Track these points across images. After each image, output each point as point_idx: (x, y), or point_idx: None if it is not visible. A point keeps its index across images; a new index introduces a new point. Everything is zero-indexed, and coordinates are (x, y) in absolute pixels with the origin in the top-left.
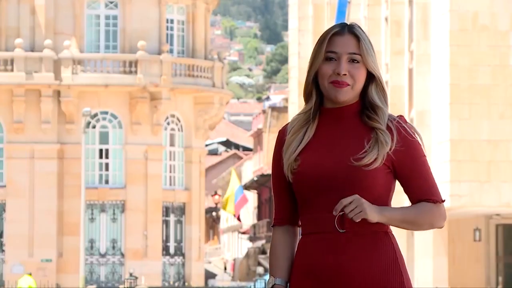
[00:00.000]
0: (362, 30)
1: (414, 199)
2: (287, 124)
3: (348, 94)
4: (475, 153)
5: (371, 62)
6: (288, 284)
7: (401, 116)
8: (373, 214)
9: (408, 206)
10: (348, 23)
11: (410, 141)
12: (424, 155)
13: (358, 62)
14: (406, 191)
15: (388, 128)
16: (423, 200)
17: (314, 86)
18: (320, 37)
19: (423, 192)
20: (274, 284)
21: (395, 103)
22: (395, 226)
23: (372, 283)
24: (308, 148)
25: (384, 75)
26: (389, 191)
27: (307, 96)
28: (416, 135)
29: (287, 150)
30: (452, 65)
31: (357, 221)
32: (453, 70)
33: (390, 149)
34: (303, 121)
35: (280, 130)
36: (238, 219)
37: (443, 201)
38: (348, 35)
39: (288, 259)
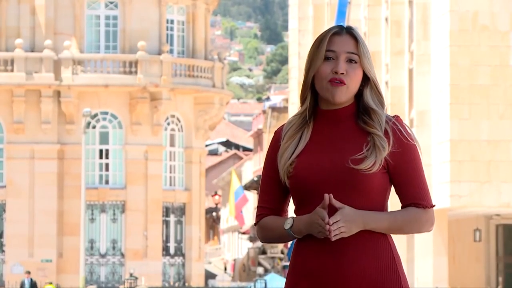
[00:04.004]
0: (359, 33)
1: (404, 202)
2: (284, 125)
3: (344, 94)
4: (475, 153)
5: (367, 64)
6: (285, 283)
7: (397, 117)
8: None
9: (396, 213)
10: (345, 26)
11: (406, 143)
12: (419, 158)
13: (355, 62)
14: (397, 192)
15: (384, 130)
16: (413, 204)
17: (309, 87)
18: (317, 38)
19: (414, 196)
20: (291, 221)
21: (395, 103)
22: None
23: (369, 283)
24: (304, 151)
25: (384, 75)
26: (386, 191)
27: (303, 99)
28: (412, 137)
29: (282, 155)
30: (452, 65)
31: (333, 240)
32: (453, 70)
33: (387, 153)
34: (299, 125)
35: (276, 131)
36: (238, 219)
37: (433, 206)
38: (346, 36)
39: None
